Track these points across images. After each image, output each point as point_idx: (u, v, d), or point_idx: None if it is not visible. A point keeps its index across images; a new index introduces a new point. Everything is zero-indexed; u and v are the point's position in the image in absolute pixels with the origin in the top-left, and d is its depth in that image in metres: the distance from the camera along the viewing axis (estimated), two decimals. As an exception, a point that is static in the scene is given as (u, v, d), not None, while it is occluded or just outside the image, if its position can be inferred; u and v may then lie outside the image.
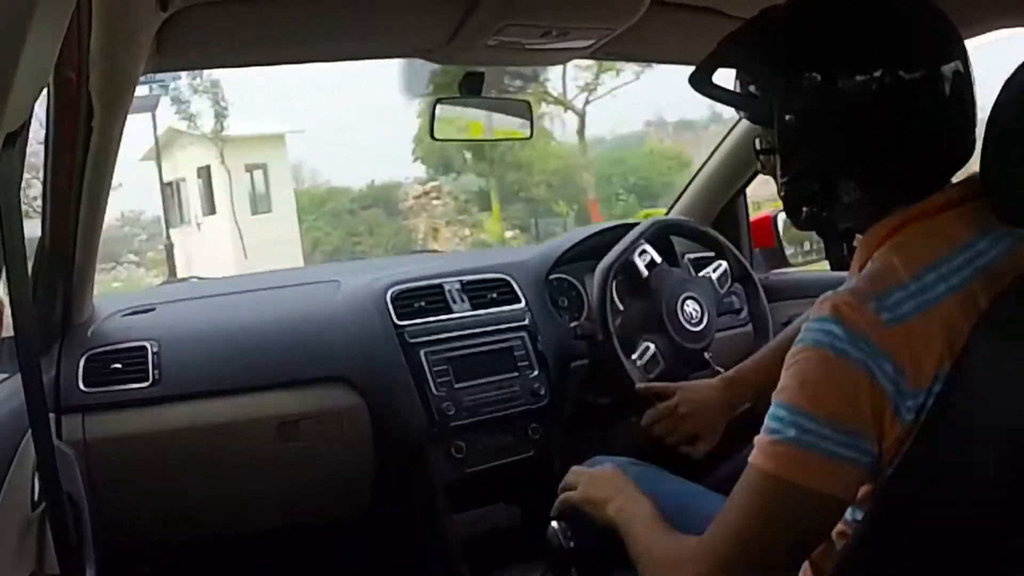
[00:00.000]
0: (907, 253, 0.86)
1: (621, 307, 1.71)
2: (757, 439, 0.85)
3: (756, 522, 0.82)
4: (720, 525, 0.85)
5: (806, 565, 1.01)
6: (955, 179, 0.92)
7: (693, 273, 1.96)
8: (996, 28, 1.48)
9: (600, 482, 1.15)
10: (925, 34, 0.89)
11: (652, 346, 1.60)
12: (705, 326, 1.59)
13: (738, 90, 1.01)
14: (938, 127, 0.88)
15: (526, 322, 1.80)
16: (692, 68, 1.02)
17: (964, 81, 0.88)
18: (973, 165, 0.89)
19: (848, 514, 0.93)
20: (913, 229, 0.88)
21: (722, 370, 1.53)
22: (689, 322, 1.56)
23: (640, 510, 1.01)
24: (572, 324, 1.80)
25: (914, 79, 0.86)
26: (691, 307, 1.58)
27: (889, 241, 0.89)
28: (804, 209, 0.96)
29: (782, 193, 0.97)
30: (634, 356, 1.60)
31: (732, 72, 1.02)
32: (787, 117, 0.92)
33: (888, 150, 0.88)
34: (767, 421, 0.84)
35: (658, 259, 1.58)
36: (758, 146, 1.01)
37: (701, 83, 1.01)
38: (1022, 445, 0.75)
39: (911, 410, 0.81)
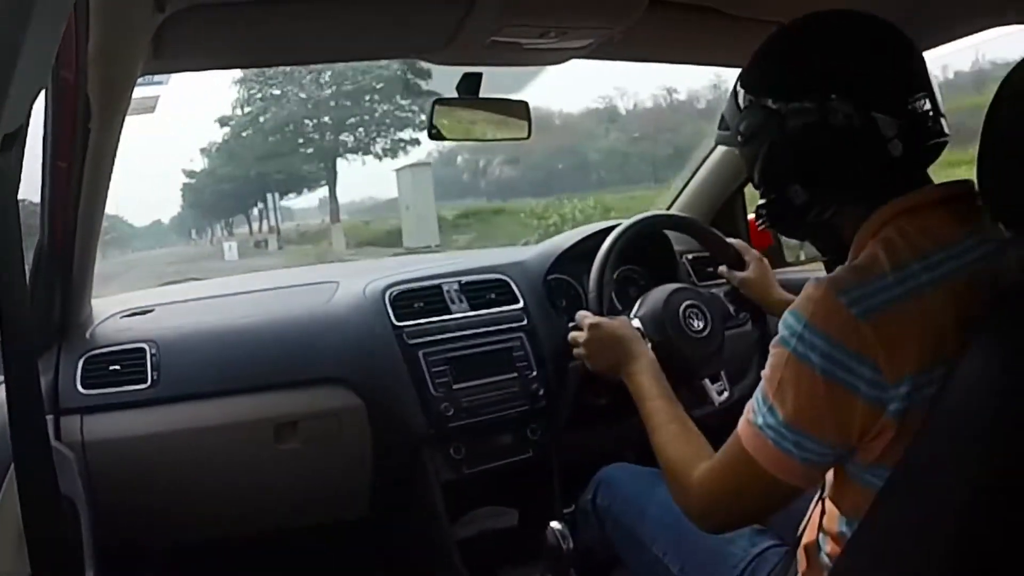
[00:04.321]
0: (894, 246, 0.86)
1: (620, 308, 1.70)
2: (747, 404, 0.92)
3: (731, 476, 0.94)
4: (713, 468, 0.97)
5: (805, 567, 1.01)
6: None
7: (692, 275, 1.95)
8: (982, 29, 1.48)
9: (606, 351, 1.33)
10: (889, 72, 0.91)
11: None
12: (709, 333, 1.57)
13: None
14: (902, 153, 0.89)
15: (525, 323, 1.79)
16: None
17: (932, 117, 0.90)
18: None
19: (844, 527, 0.92)
20: (902, 223, 0.89)
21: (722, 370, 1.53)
22: (690, 328, 1.55)
23: (646, 380, 1.20)
24: (571, 324, 1.80)
25: (879, 115, 0.88)
26: (692, 315, 1.56)
27: (880, 234, 0.90)
28: (780, 223, 1.03)
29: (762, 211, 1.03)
30: None
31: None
32: (741, 139, 1.00)
33: (850, 172, 0.91)
34: (755, 394, 0.91)
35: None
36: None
37: None
38: (1007, 452, 0.75)
39: (895, 399, 0.82)
